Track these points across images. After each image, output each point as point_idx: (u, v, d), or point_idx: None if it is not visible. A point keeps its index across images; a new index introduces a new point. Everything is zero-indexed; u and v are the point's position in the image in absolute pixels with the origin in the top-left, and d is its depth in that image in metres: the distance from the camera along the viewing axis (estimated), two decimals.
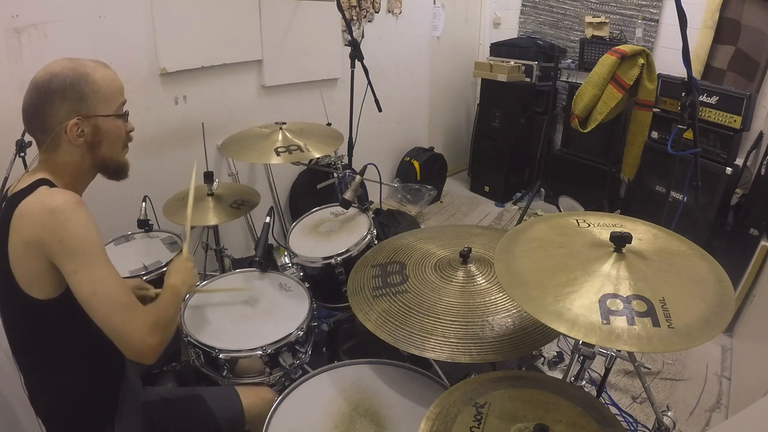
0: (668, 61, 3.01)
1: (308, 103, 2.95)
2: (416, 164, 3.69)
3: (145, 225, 1.93)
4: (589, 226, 1.13)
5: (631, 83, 2.85)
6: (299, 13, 2.71)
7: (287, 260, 1.93)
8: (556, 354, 1.57)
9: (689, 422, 1.97)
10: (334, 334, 1.88)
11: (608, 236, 1.01)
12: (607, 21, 3.37)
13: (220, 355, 1.39)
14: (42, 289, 1.00)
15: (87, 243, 0.99)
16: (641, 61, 2.82)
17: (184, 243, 1.42)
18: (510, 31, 4.13)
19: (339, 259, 1.67)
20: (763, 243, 2.30)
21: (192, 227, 2.05)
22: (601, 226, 1.12)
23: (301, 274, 1.77)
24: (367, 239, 1.73)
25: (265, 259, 1.74)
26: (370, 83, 2.40)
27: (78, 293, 0.99)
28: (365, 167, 1.93)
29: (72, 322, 1.06)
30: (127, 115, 1.16)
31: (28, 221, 0.97)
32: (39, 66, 1.07)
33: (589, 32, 3.42)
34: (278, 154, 1.81)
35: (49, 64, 1.06)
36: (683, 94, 1.69)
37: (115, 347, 1.17)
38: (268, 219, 1.83)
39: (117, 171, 1.18)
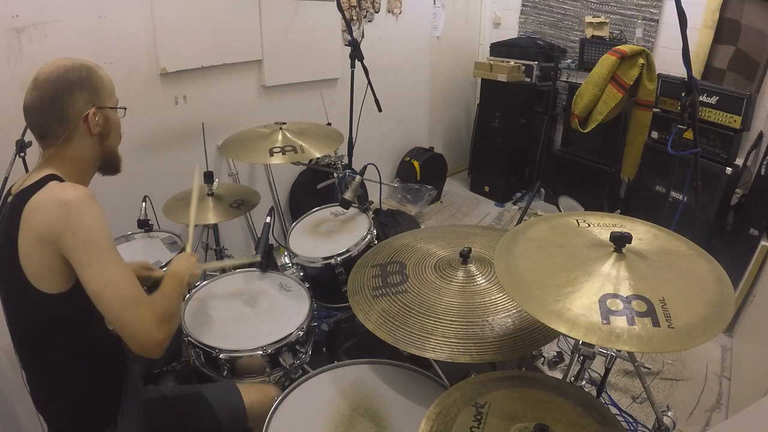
0: (668, 61, 3.01)
1: (308, 103, 2.95)
2: (416, 164, 3.69)
3: (145, 225, 1.93)
4: (589, 226, 1.13)
5: (631, 83, 2.85)
6: (299, 13, 2.71)
7: (287, 260, 1.93)
8: (556, 354, 1.56)
9: (689, 422, 1.97)
10: (334, 334, 1.88)
11: (608, 236, 1.01)
12: (607, 21, 3.37)
13: (221, 355, 1.40)
14: (52, 283, 1.01)
15: (99, 236, 1.00)
16: (641, 61, 2.82)
17: (188, 243, 1.44)
18: (510, 31, 4.13)
19: (339, 259, 1.67)
20: (763, 243, 2.30)
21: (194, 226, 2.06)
22: (601, 226, 1.12)
23: (301, 274, 1.77)
24: (367, 239, 1.73)
25: (265, 259, 1.74)
26: (370, 83, 2.40)
27: (89, 286, 1.00)
28: (365, 167, 1.93)
29: (78, 318, 1.06)
30: (126, 110, 1.19)
31: (40, 215, 0.98)
32: (39, 66, 1.07)
33: (589, 32, 3.42)
34: (282, 153, 1.81)
35: (52, 61, 1.08)
36: (683, 94, 1.69)
37: (119, 345, 1.18)
38: (268, 219, 1.83)
39: (115, 164, 1.21)
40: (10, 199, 1.07)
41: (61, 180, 1.05)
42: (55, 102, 1.05)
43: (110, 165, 1.20)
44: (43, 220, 0.98)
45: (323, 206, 2.02)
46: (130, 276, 1.04)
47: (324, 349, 1.83)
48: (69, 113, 1.06)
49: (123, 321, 1.01)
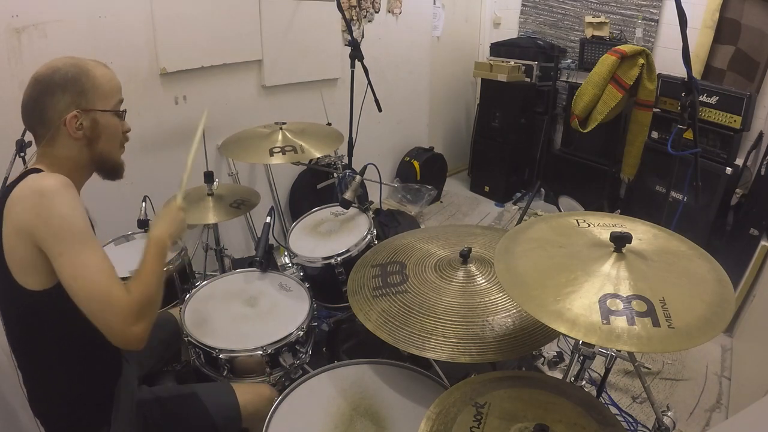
0: (668, 61, 3.01)
1: (308, 103, 2.95)
2: (416, 164, 3.69)
3: (145, 225, 1.93)
4: (589, 226, 1.13)
5: (631, 83, 2.85)
6: (299, 13, 2.71)
7: (287, 260, 1.93)
8: (556, 354, 1.56)
9: (689, 422, 1.97)
10: (334, 334, 1.88)
11: (608, 236, 1.01)
12: (607, 21, 3.37)
13: (221, 355, 1.40)
14: (35, 279, 0.99)
15: (72, 225, 0.97)
16: (641, 61, 2.82)
17: (180, 191, 1.30)
18: (510, 31, 4.13)
19: (339, 259, 1.67)
20: (763, 243, 2.30)
21: (193, 226, 2.06)
22: (601, 226, 1.12)
23: (301, 274, 1.77)
24: (367, 239, 1.73)
25: (265, 259, 1.74)
26: (370, 83, 2.40)
27: (61, 277, 0.97)
28: (365, 167, 1.93)
29: (67, 316, 1.03)
30: (125, 113, 1.16)
31: (18, 207, 0.97)
32: (39, 66, 1.07)
33: (589, 32, 3.42)
34: (282, 153, 1.81)
35: (50, 60, 1.07)
36: (683, 94, 1.69)
37: (110, 348, 1.16)
38: (268, 219, 1.83)
39: (113, 170, 1.17)
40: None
41: (40, 171, 1.03)
42: (37, 103, 1.04)
43: (108, 170, 1.16)
44: (20, 212, 0.96)
45: (323, 206, 2.02)
46: (103, 266, 0.98)
47: (324, 349, 1.83)
48: (49, 115, 1.04)
49: (96, 315, 0.97)
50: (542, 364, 1.43)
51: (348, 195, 1.81)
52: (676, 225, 1.91)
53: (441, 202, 3.97)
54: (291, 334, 1.46)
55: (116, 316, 0.97)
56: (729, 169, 2.65)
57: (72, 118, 1.04)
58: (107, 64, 1.13)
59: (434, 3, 3.74)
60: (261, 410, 1.26)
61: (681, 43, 1.59)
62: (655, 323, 0.85)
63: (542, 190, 3.78)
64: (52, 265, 0.97)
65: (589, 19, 3.41)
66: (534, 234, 1.13)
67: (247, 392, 1.34)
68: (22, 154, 1.54)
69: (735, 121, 2.60)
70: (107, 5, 1.99)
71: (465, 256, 1.34)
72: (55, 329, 1.06)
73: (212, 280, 1.72)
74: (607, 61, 2.84)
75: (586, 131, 3.03)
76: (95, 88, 1.07)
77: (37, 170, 1.04)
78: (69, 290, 0.97)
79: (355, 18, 3.09)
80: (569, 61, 3.70)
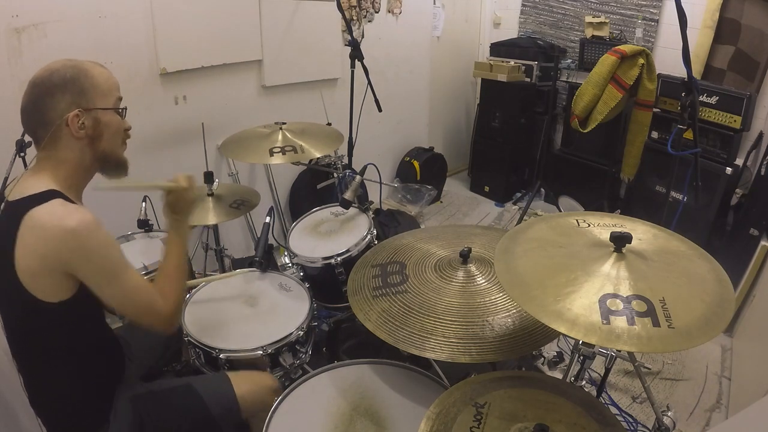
0: (668, 61, 3.01)
1: (308, 103, 2.95)
2: (416, 164, 3.69)
3: (145, 225, 1.93)
4: (589, 226, 1.13)
5: (631, 83, 2.85)
6: (299, 13, 2.71)
7: (287, 260, 1.93)
8: (556, 354, 1.56)
9: (689, 422, 1.97)
10: (334, 334, 1.88)
11: (608, 236, 1.01)
12: (607, 21, 3.37)
13: (221, 356, 1.40)
14: (54, 294, 1.00)
15: (112, 258, 1.04)
16: (641, 61, 2.82)
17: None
18: (510, 31, 4.13)
19: (339, 259, 1.67)
20: (763, 243, 2.30)
21: (193, 226, 2.06)
22: (601, 226, 1.12)
23: (301, 274, 1.77)
24: (367, 239, 1.73)
25: (265, 259, 1.74)
26: (370, 83, 2.40)
27: (110, 301, 1.08)
28: (365, 167, 1.93)
29: (76, 324, 1.06)
30: (125, 111, 1.17)
31: (44, 235, 0.97)
32: (39, 66, 1.07)
33: (589, 32, 3.42)
34: (282, 153, 1.81)
35: (46, 64, 1.07)
36: (683, 94, 1.69)
37: (115, 350, 1.18)
38: (268, 219, 1.83)
39: (117, 167, 1.18)
40: (5, 202, 1.05)
41: (62, 195, 1.03)
42: (37, 105, 1.04)
43: (112, 168, 1.17)
44: (48, 241, 0.96)
45: (323, 206, 2.02)
46: (144, 285, 1.11)
47: (324, 349, 1.83)
48: (50, 116, 1.04)
49: (144, 325, 1.13)
50: (542, 364, 1.43)
51: (348, 195, 1.81)
52: (676, 225, 1.91)
53: (441, 202, 3.97)
54: (291, 334, 1.46)
55: (162, 322, 1.14)
56: (729, 169, 2.65)
57: (74, 117, 1.04)
58: (107, 64, 1.14)
59: (434, 3, 3.74)
60: (261, 399, 1.26)
61: (681, 43, 1.59)
62: (655, 323, 0.85)
63: (542, 190, 3.78)
64: (95, 292, 1.05)
65: (589, 19, 3.41)
66: (534, 234, 1.13)
67: (245, 382, 1.32)
68: (22, 154, 1.54)
69: (735, 121, 2.60)
70: (107, 5, 1.99)
71: (465, 256, 1.34)
72: (60, 337, 1.06)
73: (212, 280, 1.72)
74: (607, 61, 2.83)
75: (586, 131, 3.03)
76: (94, 87, 1.08)
77: (58, 193, 1.03)
78: (120, 310, 1.14)
79: (355, 18, 3.09)
80: (569, 61, 3.70)
